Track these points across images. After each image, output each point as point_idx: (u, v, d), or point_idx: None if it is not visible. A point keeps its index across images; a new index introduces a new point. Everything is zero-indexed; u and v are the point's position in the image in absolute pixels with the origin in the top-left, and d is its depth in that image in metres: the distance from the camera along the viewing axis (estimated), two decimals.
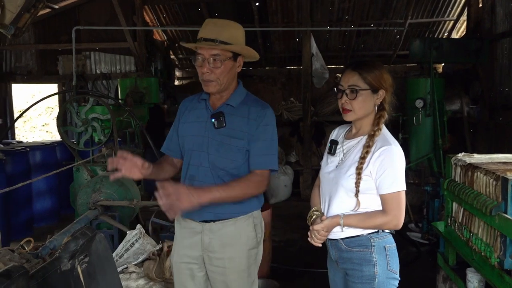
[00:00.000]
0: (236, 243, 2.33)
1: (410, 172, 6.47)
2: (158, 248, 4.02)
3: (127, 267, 4.06)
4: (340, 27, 9.03)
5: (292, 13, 9.04)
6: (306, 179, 7.93)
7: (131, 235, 4.50)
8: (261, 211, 2.46)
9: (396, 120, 6.19)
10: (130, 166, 2.14)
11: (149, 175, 2.24)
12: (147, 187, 5.89)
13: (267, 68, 10.33)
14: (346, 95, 2.14)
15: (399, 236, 2.23)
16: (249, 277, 2.37)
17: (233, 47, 2.24)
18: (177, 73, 10.54)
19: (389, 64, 9.86)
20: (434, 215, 5.24)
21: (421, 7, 8.90)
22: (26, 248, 2.67)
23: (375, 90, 2.13)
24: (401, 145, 2.18)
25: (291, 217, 6.53)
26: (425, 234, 5.45)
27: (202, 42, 2.21)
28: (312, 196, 2.39)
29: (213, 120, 2.29)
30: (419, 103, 6.47)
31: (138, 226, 4.25)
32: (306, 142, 7.97)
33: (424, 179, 6.37)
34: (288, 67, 10.34)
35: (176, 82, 10.37)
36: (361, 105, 2.14)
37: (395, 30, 9.16)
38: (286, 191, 7.87)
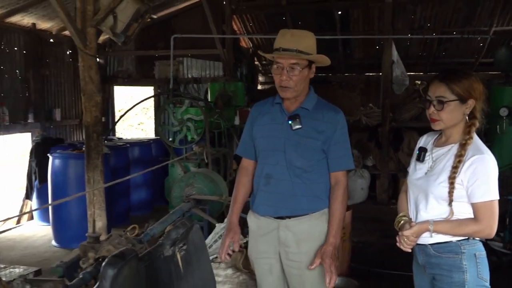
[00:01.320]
0: (310, 239, 2.45)
1: None
2: (245, 241, 4.38)
3: (216, 257, 4.40)
4: (422, 35, 9.04)
5: (373, 21, 9.17)
6: (383, 183, 8.03)
7: (219, 227, 4.89)
8: None
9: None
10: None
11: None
12: None
13: (346, 74, 10.45)
14: (434, 106, 2.15)
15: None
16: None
17: (310, 57, 2.41)
18: (260, 78, 10.90)
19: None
20: None
21: (507, 14, 8.71)
22: (129, 234, 3.07)
23: (463, 100, 2.12)
24: None
25: (367, 219, 6.64)
26: (507, 244, 5.37)
27: (281, 52, 2.38)
28: (399, 201, 2.42)
29: (290, 122, 2.45)
30: (503, 112, 6.45)
31: (226, 219, 4.63)
32: (384, 147, 8.02)
33: (506, 188, 6.30)
34: (367, 74, 10.40)
35: (259, 87, 10.74)
36: (449, 115, 2.13)
37: (479, 38, 9.03)
38: (363, 194, 8.01)
